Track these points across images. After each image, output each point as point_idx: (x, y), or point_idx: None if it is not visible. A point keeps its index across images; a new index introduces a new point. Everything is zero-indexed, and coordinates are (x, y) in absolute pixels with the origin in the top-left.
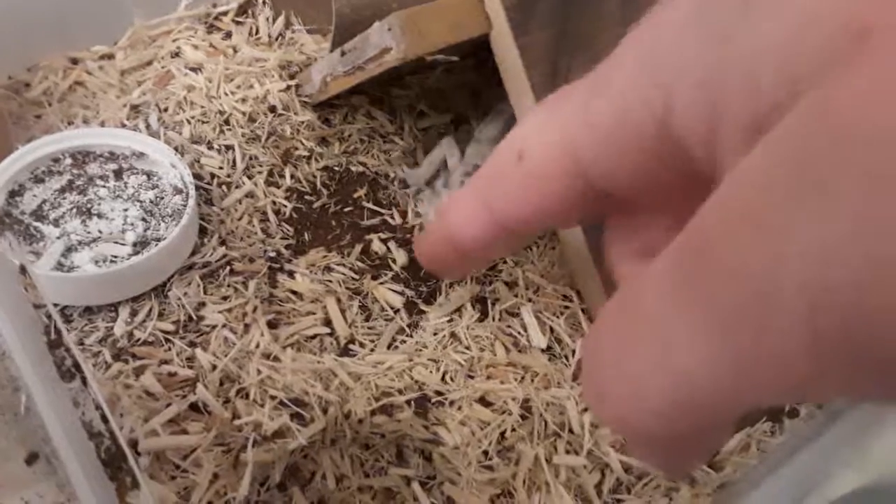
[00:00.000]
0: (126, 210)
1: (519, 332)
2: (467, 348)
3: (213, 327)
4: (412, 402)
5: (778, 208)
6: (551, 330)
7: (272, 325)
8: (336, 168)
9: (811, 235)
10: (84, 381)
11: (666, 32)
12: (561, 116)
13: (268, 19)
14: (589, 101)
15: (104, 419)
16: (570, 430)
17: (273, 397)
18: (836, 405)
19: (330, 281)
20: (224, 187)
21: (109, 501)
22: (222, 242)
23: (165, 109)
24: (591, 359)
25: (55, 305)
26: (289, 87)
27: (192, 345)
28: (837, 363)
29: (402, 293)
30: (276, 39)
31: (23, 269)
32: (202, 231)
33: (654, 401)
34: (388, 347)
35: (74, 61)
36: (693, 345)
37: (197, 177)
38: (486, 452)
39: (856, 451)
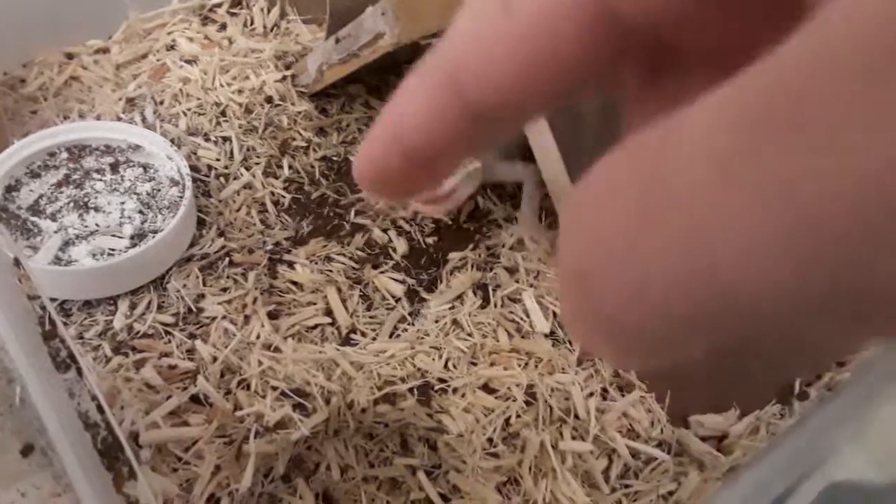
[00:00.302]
0: (123, 203)
1: (521, 318)
2: (469, 335)
3: (213, 319)
4: (415, 390)
5: None
6: (554, 315)
7: (273, 315)
8: (334, 158)
9: None
10: (79, 372)
11: None
12: None
13: (262, 10)
14: None
15: (100, 409)
16: (576, 416)
17: (275, 388)
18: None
19: (330, 271)
20: (222, 179)
21: (106, 492)
22: (221, 234)
23: (161, 102)
24: (577, 223)
25: (54, 300)
26: (285, 78)
27: (192, 337)
28: None
29: (402, 282)
30: (272, 30)
31: (16, 262)
32: (200, 223)
33: (666, 293)
34: (390, 336)
35: (70, 56)
36: (747, 233)
37: (194, 169)
38: (490, 440)
39: (858, 429)
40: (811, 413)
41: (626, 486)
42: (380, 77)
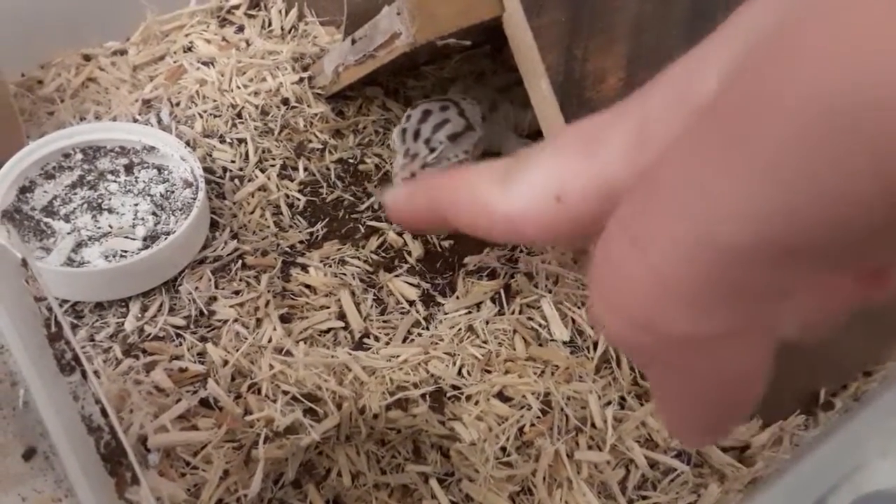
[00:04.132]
0: (136, 204)
1: (539, 325)
2: (484, 342)
3: (225, 322)
4: (428, 397)
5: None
6: (573, 321)
7: (285, 319)
8: (350, 160)
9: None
10: (84, 375)
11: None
12: (601, 162)
13: (280, 12)
14: (629, 148)
15: (104, 413)
16: (593, 425)
17: (285, 392)
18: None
19: (344, 274)
20: (236, 181)
21: (108, 497)
22: (234, 236)
23: (177, 104)
24: (602, 258)
25: (66, 301)
26: (302, 80)
27: (204, 340)
28: None
29: (417, 286)
30: (289, 32)
31: (24, 263)
32: (214, 225)
33: (691, 276)
34: (404, 341)
35: (87, 58)
36: (741, 193)
37: (209, 171)
38: (504, 448)
39: (888, 440)
40: (838, 425)
41: (644, 498)
42: (398, 79)
